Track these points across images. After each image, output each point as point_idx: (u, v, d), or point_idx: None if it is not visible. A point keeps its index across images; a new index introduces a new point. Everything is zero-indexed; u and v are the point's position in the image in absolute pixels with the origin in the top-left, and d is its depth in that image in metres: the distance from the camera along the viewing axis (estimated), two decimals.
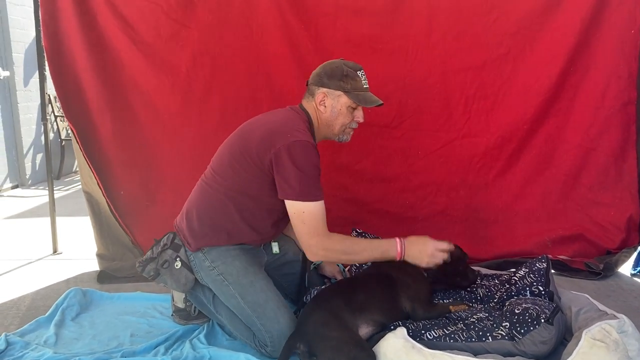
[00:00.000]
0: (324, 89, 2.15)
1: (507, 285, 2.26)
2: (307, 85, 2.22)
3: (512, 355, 1.88)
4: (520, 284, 2.21)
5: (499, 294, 2.27)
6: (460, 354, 1.84)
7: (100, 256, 3.06)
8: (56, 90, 2.89)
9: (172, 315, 2.39)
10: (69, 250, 3.44)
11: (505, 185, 3.11)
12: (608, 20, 2.83)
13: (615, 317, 1.90)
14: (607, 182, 3.02)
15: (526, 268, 2.27)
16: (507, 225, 3.11)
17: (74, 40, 2.87)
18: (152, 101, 3.00)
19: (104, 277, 2.94)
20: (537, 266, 2.24)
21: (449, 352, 1.84)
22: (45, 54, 2.88)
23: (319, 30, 2.97)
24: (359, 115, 2.22)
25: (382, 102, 2.19)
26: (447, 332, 1.97)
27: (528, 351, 1.87)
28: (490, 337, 1.91)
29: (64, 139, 5.93)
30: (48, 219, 3.41)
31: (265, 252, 2.37)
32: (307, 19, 2.95)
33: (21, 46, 5.56)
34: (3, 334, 2.21)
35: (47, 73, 2.95)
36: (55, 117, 5.98)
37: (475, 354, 1.88)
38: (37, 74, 3.37)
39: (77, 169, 3.22)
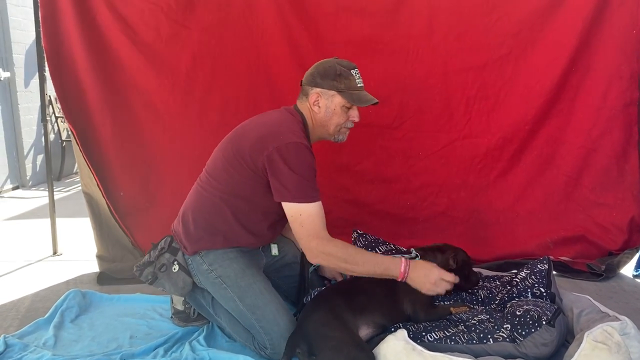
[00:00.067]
0: (318, 89, 2.13)
1: (508, 287, 2.25)
2: (301, 85, 2.20)
3: (514, 357, 1.86)
4: (522, 285, 2.19)
5: (500, 295, 2.25)
6: (461, 356, 1.82)
7: (100, 257, 3.05)
8: (56, 91, 2.88)
9: (171, 317, 2.38)
10: (69, 252, 3.44)
11: (506, 186, 3.10)
12: (610, 21, 2.82)
13: (617, 319, 1.89)
14: (608, 183, 3.01)
15: (527, 269, 2.26)
16: (509, 226, 3.10)
17: (74, 41, 2.86)
18: (152, 102, 2.99)
19: (103, 278, 2.94)
20: (538, 267, 2.23)
21: (450, 354, 1.83)
22: (45, 55, 2.87)
23: (319, 31, 2.96)
24: (354, 115, 2.20)
25: (377, 100, 2.16)
26: (447, 334, 1.96)
27: (529, 353, 1.85)
28: (491, 339, 1.90)
29: (64, 140, 5.92)
30: (48, 220, 3.41)
31: (265, 254, 2.35)
32: (308, 20, 2.94)
33: (22, 47, 5.56)
34: (2, 335, 2.20)
35: (47, 74, 2.94)
36: (56, 118, 5.98)
37: (476, 356, 1.87)
38: (37, 75, 3.36)
39: (78, 170, 3.23)
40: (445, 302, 2.29)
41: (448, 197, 3.16)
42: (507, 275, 2.46)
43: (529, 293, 2.15)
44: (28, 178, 5.65)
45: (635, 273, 2.93)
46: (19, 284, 2.95)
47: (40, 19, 2.82)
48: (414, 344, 1.87)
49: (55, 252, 3.41)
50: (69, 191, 5.47)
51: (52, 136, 6.00)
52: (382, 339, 1.94)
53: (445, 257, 2.30)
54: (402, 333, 1.92)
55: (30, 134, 5.71)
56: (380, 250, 2.59)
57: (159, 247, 2.20)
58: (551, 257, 2.59)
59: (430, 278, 2.01)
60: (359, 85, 2.15)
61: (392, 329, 2.00)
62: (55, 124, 6.02)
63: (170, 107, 2.99)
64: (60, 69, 2.88)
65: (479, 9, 2.89)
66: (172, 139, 3.02)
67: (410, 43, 2.97)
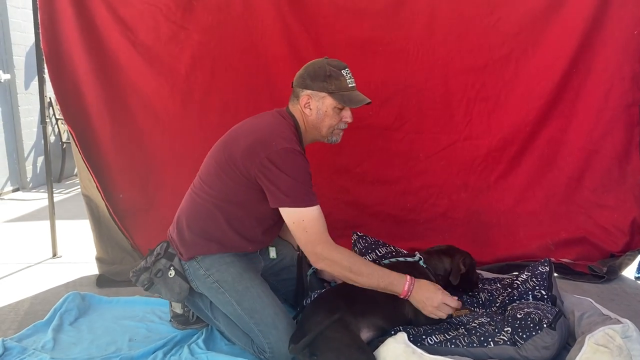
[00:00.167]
0: (308, 91, 2.09)
1: (509, 290, 2.24)
2: (292, 86, 2.17)
3: None
4: (523, 288, 2.18)
5: (500, 298, 2.24)
6: None
7: (99, 260, 3.04)
8: (55, 93, 2.87)
9: (170, 320, 2.37)
10: (68, 254, 3.43)
11: (507, 187, 3.09)
12: (611, 21, 2.81)
13: (619, 322, 1.88)
14: (610, 184, 3.00)
15: (528, 272, 2.25)
16: (510, 228, 3.09)
17: (73, 43, 2.85)
18: (152, 104, 2.98)
19: (103, 281, 2.93)
20: (539, 270, 2.22)
21: (450, 358, 1.81)
22: (44, 57, 2.87)
23: (319, 32, 2.95)
24: (347, 116, 2.15)
25: (369, 100, 2.12)
26: (448, 337, 1.94)
27: (530, 357, 1.84)
28: (491, 343, 1.89)
29: (65, 142, 5.92)
30: (48, 223, 3.40)
31: (263, 257, 2.33)
32: (307, 21, 2.93)
33: (22, 49, 5.56)
34: (0, 339, 2.19)
35: (47, 76, 2.94)
36: (57, 119, 5.98)
37: None
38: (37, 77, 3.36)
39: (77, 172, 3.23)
40: None
41: (449, 199, 3.15)
42: (507, 278, 2.45)
43: (530, 295, 2.13)
44: (28, 180, 5.65)
45: (637, 275, 2.92)
46: (18, 286, 2.94)
47: (39, 21, 2.81)
48: (414, 347, 1.86)
49: (54, 255, 3.40)
50: (69, 193, 5.47)
51: (52, 138, 6.00)
52: (382, 341, 1.93)
53: (456, 262, 2.30)
54: (402, 336, 1.91)
55: (30, 136, 5.71)
56: (380, 253, 2.59)
57: (155, 252, 2.19)
58: (552, 259, 2.59)
59: (433, 301, 1.97)
60: (350, 85, 2.10)
61: (392, 332, 1.99)
62: (56, 126, 6.02)
63: (169, 108, 2.98)
64: (60, 71, 2.87)
65: (479, 9, 2.88)
66: (171, 141, 3.01)
67: (410, 44, 2.96)
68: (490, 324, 1.99)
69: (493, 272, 2.72)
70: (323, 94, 2.08)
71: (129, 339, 2.28)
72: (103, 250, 3.05)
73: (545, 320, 1.87)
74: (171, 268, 2.13)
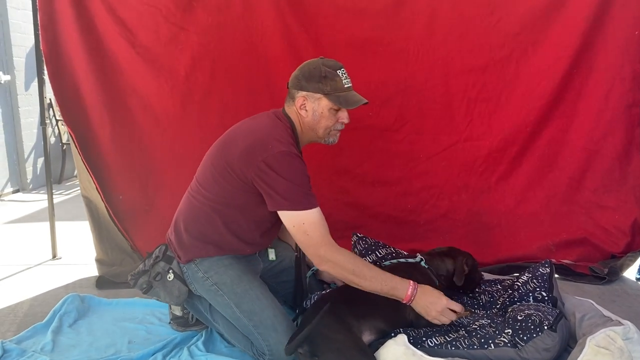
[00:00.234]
0: (303, 93, 2.06)
1: (509, 291, 2.23)
2: (287, 87, 2.15)
3: None
4: (523, 289, 2.17)
5: (501, 299, 2.23)
6: None
7: (99, 261, 3.03)
8: (55, 94, 2.87)
9: (170, 322, 2.36)
10: (68, 256, 3.42)
11: (508, 188, 3.08)
12: (612, 22, 2.80)
13: (620, 324, 1.87)
14: (611, 185, 2.99)
15: (529, 273, 2.24)
16: (510, 229, 3.08)
17: (73, 44, 2.84)
18: (151, 105, 2.97)
19: (102, 282, 2.93)
20: (540, 271, 2.21)
21: None
22: (44, 58, 2.86)
23: (319, 33, 2.94)
24: (343, 117, 2.12)
25: (366, 101, 2.09)
26: (448, 340, 1.94)
27: (531, 358, 1.83)
28: (492, 345, 1.88)
29: (65, 143, 5.92)
30: (48, 224, 3.39)
31: (262, 259, 2.32)
32: (307, 21, 2.92)
33: (22, 50, 5.56)
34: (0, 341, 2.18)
35: (46, 77, 2.93)
36: (57, 121, 5.98)
37: None
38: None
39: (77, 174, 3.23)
40: None
41: (449, 200, 3.14)
42: (508, 279, 2.44)
43: (531, 297, 2.13)
44: (28, 181, 5.65)
45: (638, 276, 2.92)
46: (17, 288, 2.93)
47: (39, 22, 2.81)
48: (414, 349, 1.85)
49: (54, 256, 3.39)
50: (69, 194, 5.47)
51: (52, 139, 6.00)
52: (382, 343, 1.92)
53: (460, 263, 2.31)
54: (402, 338, 1.90)
55: (30, 137, 5.71)
56: (380, 254, 2.58)
57: (154, 255, 2.18)
58: (553, 260, 2.58)
59: (437, 306, 1.94)
60: (346, 86, 2.07)
61: (392, 334, 1.98)
62: (56, 127, 6.01)
63: (169, 109, 2.97)
64: (59, 72, 2.86)
65: (480, 9, 2.87)
66: (171, 142, 3.00)
67: (411, 44, 2.95)
68: (490, 326, 1.99)
69: (494, 273, 2.72)
70: (319, 95, 2.05)
71: (128, 341, 2.28)
72: (103, 251, 3.04)
73: (546, 322, 1.86)
74: (170, 271, 2.12)
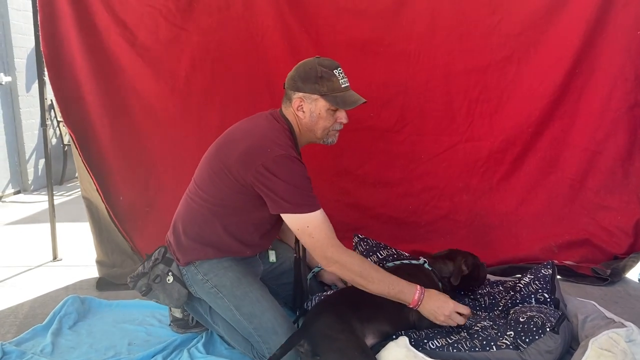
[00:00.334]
0: (300, 94, 2.03)
1: (511, 293, 2.22)
2: (284, 88, 2.11)
3: None
4: (525, 291, 2.16)
5: (503, 301, 2.22)
6: None
7: (99, 263, 3.03)
8: (55, 95, 2.86)
9: (170, 324, 2.35)
10: (69, 257, 3.42)
11: (509, 189, 3.07)
12: (614, 22, 2.79)
13: (623, 325, 1.87)
14: (613, 185, 2.98)
15: (531, 275, 2.23)
16: (512, 230, 3.07)
17: (73, 45, 2.84)
18: (152, 106, 2.96)
19: (103, 284, 2.92)
20: (542, 273, 2.20)
21: None
22: (44, 59, 2.85)
23: (319, 33, 2.93)
24: (342, 117, 2.08)
25: (364, 100, 2.06)
26: (450, 342, 1.92)
27: None
28: (494, 347, 1.87)
29: (66, 144, 5.91)
30: (49, 225, 3.39)
31: (262, 261, 2.31)
32: (308, 22, 2.91)
33: (23, 51, 5.56)
34: None
35: (47, 78, 2.93)
36: (58, 122, 5.97)
37: None
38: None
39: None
40: None
41: (450, 201, 3.13)
42: (510, 281, 2.43)
43: (533, 299, 2.11)
44: (30, 182, 5.65)
45: None
46: (18, 289, 2.93)
47: (39, 23, 2.80)
48: (415, 351, 1.84)
49: (55, 258, 3.39)
50: (70, 195, 5.47)
51: (54, 140, 5.99)
52: (383, 345, 1.91)
53: (458, 264, 2.31)
54: (404, 340, 1.89)
55: (32, 139, 5.71)
56: (381, 255, 2.57)
57: (153, 257, 2.17)
58: (555, 261, 2.57)
59: (444, 310, 1.94)
60: (343, 86, 2.03)
61: (394, 337, 1.97)
62: (57, 128, 6.01)
63: (169, 110, 2.96)
64: (59, 73, 2.85)
65: (481, 10, 2.86)
66: (171, 143, 2.99)
67: (412, 45, 2.94)
68: (492, 328, 1.98)
69: (496, 275, 2.70)
70: (315, 96, 2.02)
71: (128, 342, 2.27)
72: (103, 253, 3.03)
73: (548, 324, 1.85)
74: (169, 273, 2.11)
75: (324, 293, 2.31)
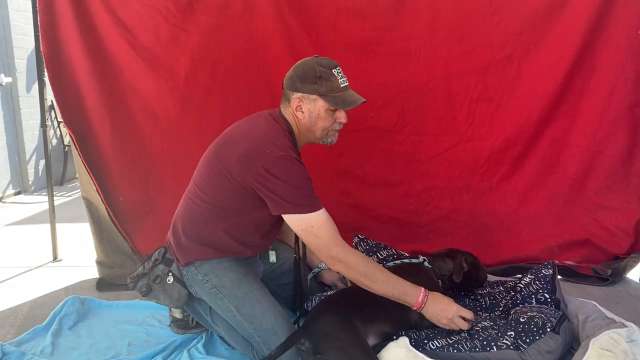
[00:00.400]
0: (299, 94, 2.01)
1: (512, 293, 2.22)
2: (282, 88, 2.10)
3: None
4: (526, 291, 2.15)
5: (504, 301, 2.22)
6: None
7: (99, 263, 3.02)
8: (55, 96, 2.86)
9: (170, 324, 2.35)
10: (69, 257, 3.42)
11: (510, 189, 3.06)
12: (614, 21, 2.78)
13: (623, 326, 1.87)
14: (614, 185, 2.97)
15: (532, 275, 2.22)
16: (513, 230, 3.07)
17: (73, 45, 2.83)
18: (152, 106, 2.96)
19: (103, 284, 2.92)
20: (543, 273, 2.19)
21: None
22: (44, 60, 2.85)
23: (319, 33, 2.93)
24: (341, 117, 2.06)
25: (364, 100, 2.03)
26: (450, 342, 1.92)
27: None
28: (494, 347, 1.86)
29: (66, 145, 5.91)
30: (49, 226, 3.39)
31: (262, 261, 2.30)
32: (308, 22, 2.91)
33: (23, 52, 5.56)
34: None
35: (47, 79, 2.92)
36: (59, 122, 5.97)
37: None
38: None
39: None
40: None
41: (451, 201, 3.12)
42: (510, 281, 2.42)
43: (534, 299, 2.11)
44: (30, 183, 5.66)
45: None
46: (18, 290, 2.93)
47: (39, 23, 2.80)
48: (416, 351, 1.84)
49: (55, 258, 3.39)
50: (71, 196, 5.47)
51: (54, 141, 6.00)
52: (384, 345, 1.91)
53: (458, 261, 2.31)
54: (404, 340, 1.89)
55: (32, 139, 5.71)
56: (381, 255, 2.56)
57: (153, 258, 2.16)
58: (556, 261, 2.57)
59: (447, 313, 1.94)
60: (342, 85, 2.01)
61: (394, 337, 1.97)
62: (58, 129, 6.01)
63: (169, 111, 2.96)
64: (59, 74, 2.85)
65: (481, 9, 2.85)
66: (171, 144, 2.99)
67: (412, 45, 2.93)
68: (493, 328, 1.97)
69: (496, 275, 2.70)
70: (314, 96, 2.00)
71: (128, 343, 2.27)
72: (103, 253, 3.03)
73: (549, 324, 1.84)
74: (169, 274, 2.11)
75: (324, 293, 2.31)
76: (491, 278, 2.55)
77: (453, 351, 1.88)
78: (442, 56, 2.94)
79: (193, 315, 2.27)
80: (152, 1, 2.82)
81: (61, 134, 5.98)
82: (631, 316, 2.24)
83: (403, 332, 2.02)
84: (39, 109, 5.43)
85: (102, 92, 2.90)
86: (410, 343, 1.88)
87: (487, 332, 1.94)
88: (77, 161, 2.95)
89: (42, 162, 5.79)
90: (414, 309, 1.95)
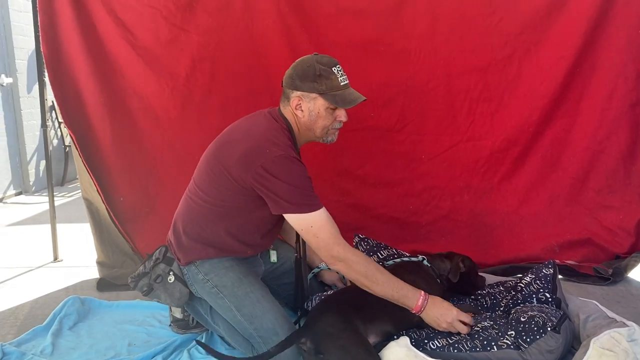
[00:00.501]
0: (298, 93, 2.00)
1: (512, 292, 2.21)
2: (282, 86, 2.09)
3: None
4: (527, 290, 2.15)
5: (504, 301, 2.21)
6: None
7: (100, 264, 3.02)
8: (55, 96, 2.86)
9: (170, 324, 2.35)
10: (69, 258, 3.42)
11: (510, 189, 3.06)
12: (615, 20, 2.78)
13: (624, 325, 1.86)
14: (615, 185, 2.97)
15: (532, 274, 2.21)
16: (513, 229, 3.06)
17: (73, 46, 2.83)
18: (152, 106, 2.96)
19: (103, 284, 2.92)
20: (543, 272, 2.18)
21: None
22: (44, 60, 2.85)
23: (319, 33, 2.92)
24: (341, 115, 2.04)
25: (364, 98, 2.02)
26: (450, 342, 1.92)
27: None
28: (495, 347, 1.86)
29: (67, 145, 5.91)
30: (49, 226, 3.39)
31: (263, 261, 2.30)
32: (308, 22, 2.90)
33: (24, 53, 5.56)
34: None
35: (47, 79, 2.92)
36: (59, 123, 5.97)
37: None
38: None
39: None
40: None
41: (451, 201, 3.12)
42: (511, 281, 2.42)
43: (534, 298, 2.10)
44: (31, 183, 5.66)
45: None
46: (18, 290, 2.93)
47: (39, 23, 2.80)
48: (416, 351, 1.84)
49: (55, 258, 3.39)
50: (71, 196, 5.47)
51: (55, 141, 6.00)
52: (384, 345, 1.91)
53: (455, 262, 2.32)
54: (405, 340, 1.89)
55: (33, 140, 5.71)
56: (382, 255, 2.56)
57: (154, 257, 2.16)
58: (557, 260, 2.57)
59: (447, 317, 1.94)
60: (342, 83, 2.00)
61: (395, 337, 1.96)
62: (59, 129, 6.01)
63: (169, 111, 2.96)
64: (60, 74, 2.85)
65: (482, 9, 2.85)
66: (171, 144, 2.99)
67: (412, 44, 2.93)
68: (493, 328, 1.97)
69: (497, 275, 2.69)
70: (314, 94, 1.99)
71: (128, 343, 2.27)
72: (104, 253, 3.03)
73: (550, 324, 1.84)
74: (170, 273, 2.10)
75: (324, 293, 2.31)
76: (491, 278, 2.55)
77: (453, 351, 1.88)
78: (443, 56, 2.94)
79: (193, 315, 2.27)
80: (152, 1, 2.82)
81: (62, 135, 5.97)
82: (632, 315, 2.24)
83: (404, 331, 2.02)
84: (39, 109, 5.48)
85: (102, 92, 2.90)
86: (411, 342, 1.88)
87: (488, 331, 1.94)
88: (77, 161, 2.95)
89: (43, 162, 5.79)
90: (413, 312, 1.95)
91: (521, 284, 2.20)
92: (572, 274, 2.87)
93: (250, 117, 2.13)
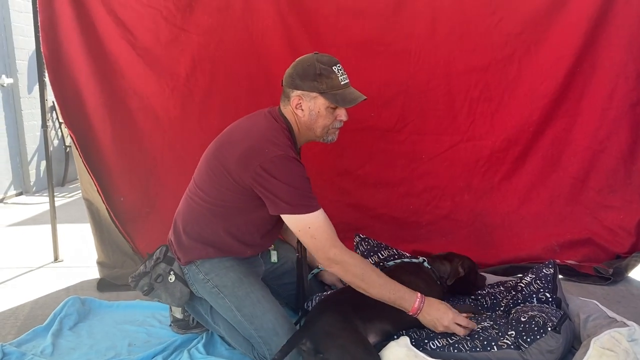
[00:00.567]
0: (298, 92, 1.99)
1: (513, 292, 2.21)
2: (282, 85, 2.09)
3: None
4: (527, 290, 2.15)
5: (505, 301, 2.21)
6: None
7: (100, 264, 3.02)
8: (55, 97, 2.85)
9: (170, 325, 2.35)
10: (70, 258, 3.42)
11: (511, 188, 3.06)
12: (615, 20, 2.78)
13: (625, 325, 1.86)
14: (616, 184, 2.97)
15: (533, 274, 2.21)
16: (514, 229, 3.06)
17: (73, 46, 2.83)
18: (152, 107, 2.96)
19: (104, 285, 2.92)
20: (544, 272, 2.18)
21: None
22: (44, 61, 2.85)
23: (319, 33, 2.92)
24: (342, 114, 2.04)
25: (365, 97, 2.01)
26: (450, 342, 1.91)
27: None
28: (495, 347, 1.86)
29: (68, 146, 5.91)
30: (50, 226, 3.39)
31: (264, 261, 2.30)
32: (308, 22, 2.90)
33: (25, 53, 5.56)
34: None
35: (47, 79, 2.92)
36: (60, 123, 5.97)
37: None
38: None
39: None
40: None
41: (452, 201, 3.12)
42: (511, 280, 2.42)
43: (535, 298, 2.10)
44: (32, 184, 5.66)
45: None
46: (19, 290, 2.93)
47: (39, 24, 2.79)
48: (416, 350, 1.84)
49: (56, 259, 3.39)
50: (72, 197, 5.47)
51: (55, 142, 6.00)
52: (384, 345, 1.90)
53: (455, 265, 2.31)
54: (405, 340, 1.89)
55: (33, 140, 5.71)
56: (382, 255, 2.56)
57: (154, 257, 2.16)
58: (557, 260, 2.57)
59: (443, 320, 1.93)
60: (342, 83, 1.99)
61: (395, 337, 1.96)
62: (59, 130, 6.01)
63: (169, 111, 2.96)
64: (60, 75, 2.84)
65: (482, 9, 2.85)
66: (171, 144, 2.99)
67: (412, 44, 2.93)
68: (493, 328, 1.97)
69: (497, 274, 2.69)
70: (314, 94, 1.98)
71: (128, 343, 2.27)
72: (104, 254, 3.03)
73: (550, 324, 1.84)
74: (171, 272, 2.10)
75: (324, 293, 2.31)
76: (492, 278, 2.55)
77: (453, 351, 1.88)
78: (443, 56, 2.93)
79: (193, 315, 2.27)
80: (152, 1, 2.81)
81: (62, 135, 5.97)
82: (633, 315, 2.24)
83: (403, 331, 2.02)
84: (40, 109, 5.48)
85: (102, 92, 2.89)
86: (411, 342, 1.87)
87: (488, 331, 1.94)
88: (77, 162, 2.95)
89: (44, 163, 5.79)
90: (410, 314, 1.94)
91: (521, 284, 2.20)
92: (572, 273, 2.87)
93: (250, 117, 2.13)
